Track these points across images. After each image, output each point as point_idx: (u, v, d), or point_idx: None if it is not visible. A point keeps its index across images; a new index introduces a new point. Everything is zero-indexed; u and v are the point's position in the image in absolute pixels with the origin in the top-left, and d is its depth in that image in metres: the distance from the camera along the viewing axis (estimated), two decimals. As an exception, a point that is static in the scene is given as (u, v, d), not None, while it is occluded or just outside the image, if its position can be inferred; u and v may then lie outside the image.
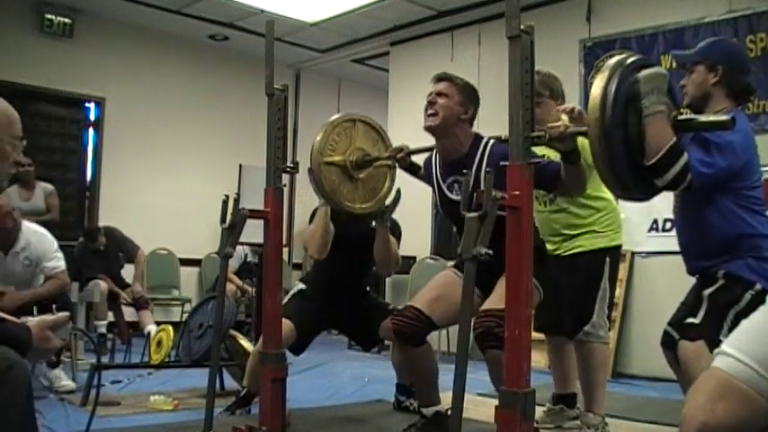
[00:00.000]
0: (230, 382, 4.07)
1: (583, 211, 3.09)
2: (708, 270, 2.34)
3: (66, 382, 3.90)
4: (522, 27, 1.93)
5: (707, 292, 2.29)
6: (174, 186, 7.31)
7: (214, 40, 7.57)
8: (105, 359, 4.13)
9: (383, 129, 3.16)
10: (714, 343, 2.12)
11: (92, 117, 7.18)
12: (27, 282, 3.78)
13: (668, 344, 2.37)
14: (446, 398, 1.85)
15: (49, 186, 5.95)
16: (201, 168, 7.45)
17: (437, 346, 5.93)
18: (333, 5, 6.55)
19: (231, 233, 2.60)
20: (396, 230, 3.47)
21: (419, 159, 2.99)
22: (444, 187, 2.76)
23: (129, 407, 3.54)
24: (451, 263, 2.96)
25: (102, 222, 6.13)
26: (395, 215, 3.29)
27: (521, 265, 1.86)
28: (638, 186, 2.10)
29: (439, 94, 2.67)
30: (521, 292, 1.85)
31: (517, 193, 1.87)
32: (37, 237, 3.86)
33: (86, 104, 7.15)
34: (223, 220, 2.62)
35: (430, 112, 2.67)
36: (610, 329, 3.12)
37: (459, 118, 2.66)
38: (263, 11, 6.55)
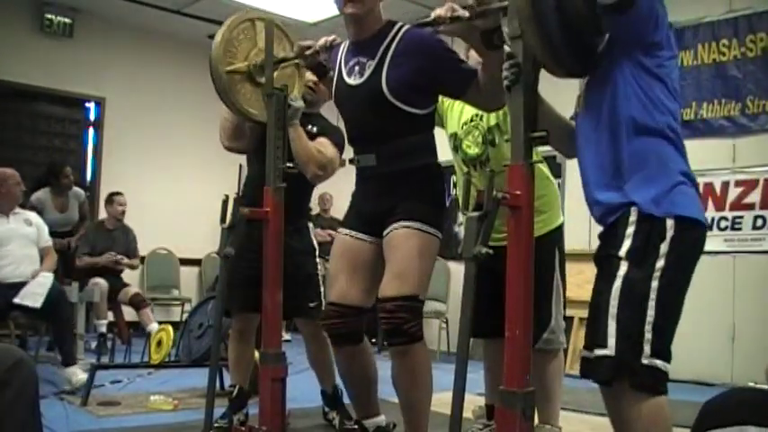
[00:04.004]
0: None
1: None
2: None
3: (81, 377, 3.86)
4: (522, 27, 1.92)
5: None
6: (174, 186, 7.31)
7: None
8: (105, 359, 4.13)
9: (285, 24, 2.94)
10: None
11: (92, 117, 7.20)
12: (33, 240, 4.42)
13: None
14: (446, 398, 1.84)
15: (81, 193, 6.01)
16: (201, 168, 7.45)
17: (437, 345, 5.94)
18: (333, 5, 6.52)
19: (231, 233, 2.60)
20: (330, 132, 3.17)
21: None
22: (345, 71, 2.52)
23: (129, 407, 3.55)
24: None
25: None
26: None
27: (521, 266, 1.86)
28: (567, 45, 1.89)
29: None
30: (521, 293, 1.85)
31: (518, 192, 1.86)
32: (32, 213, 4.70)
33: (86, 104, 7.16)
34: (223, 220, 2.62)
35: None
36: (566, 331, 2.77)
37: None
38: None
